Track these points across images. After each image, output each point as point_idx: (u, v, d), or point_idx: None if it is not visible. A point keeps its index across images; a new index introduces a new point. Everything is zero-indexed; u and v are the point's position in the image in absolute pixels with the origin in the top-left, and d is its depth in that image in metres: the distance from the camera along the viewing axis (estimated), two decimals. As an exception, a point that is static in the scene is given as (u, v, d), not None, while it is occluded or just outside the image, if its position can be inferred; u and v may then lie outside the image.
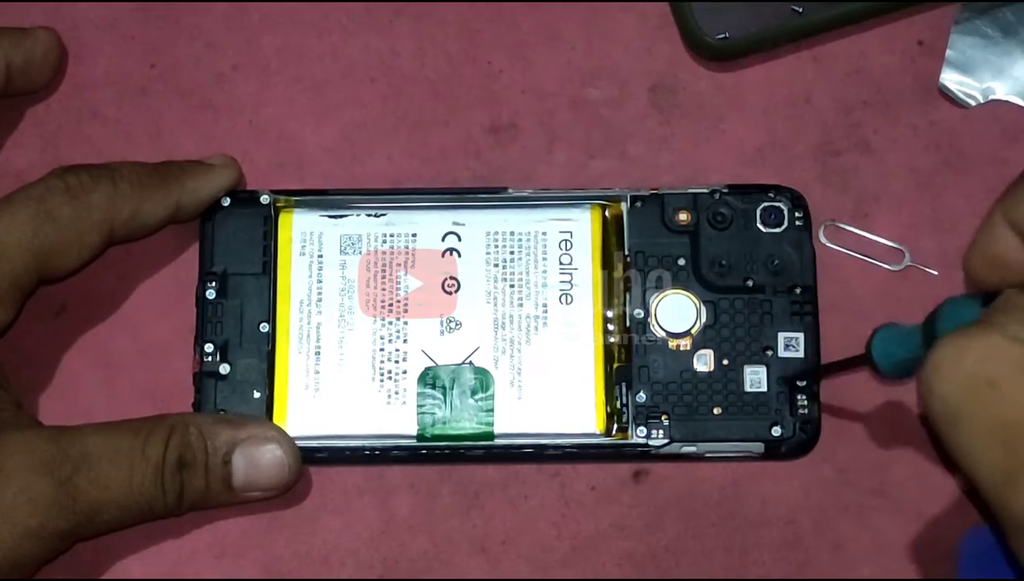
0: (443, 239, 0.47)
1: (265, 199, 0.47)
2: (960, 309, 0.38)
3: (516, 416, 0.46)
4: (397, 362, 0.46)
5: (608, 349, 0.46)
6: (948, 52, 0.48)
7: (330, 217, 0.47)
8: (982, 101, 0.48)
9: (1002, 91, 0.48)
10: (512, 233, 0.47)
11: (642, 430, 0.46)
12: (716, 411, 0.46)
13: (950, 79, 0.48)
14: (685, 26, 0.49)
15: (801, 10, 0.48)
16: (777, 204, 0.47)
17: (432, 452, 0.46)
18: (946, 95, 0.48)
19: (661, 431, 0.46)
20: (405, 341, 0.46)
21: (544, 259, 0.47)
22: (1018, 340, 0.34)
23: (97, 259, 0.46)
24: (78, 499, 0.42)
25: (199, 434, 0.44)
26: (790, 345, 0.46)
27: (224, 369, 0.46)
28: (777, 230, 0.47)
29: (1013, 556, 0.34)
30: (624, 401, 0.46)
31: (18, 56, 0.47)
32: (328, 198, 0.47)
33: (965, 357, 0.35)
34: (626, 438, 0.46)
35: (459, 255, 0.47)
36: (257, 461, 0.45)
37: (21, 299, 0.44)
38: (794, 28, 0.48)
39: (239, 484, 0.45)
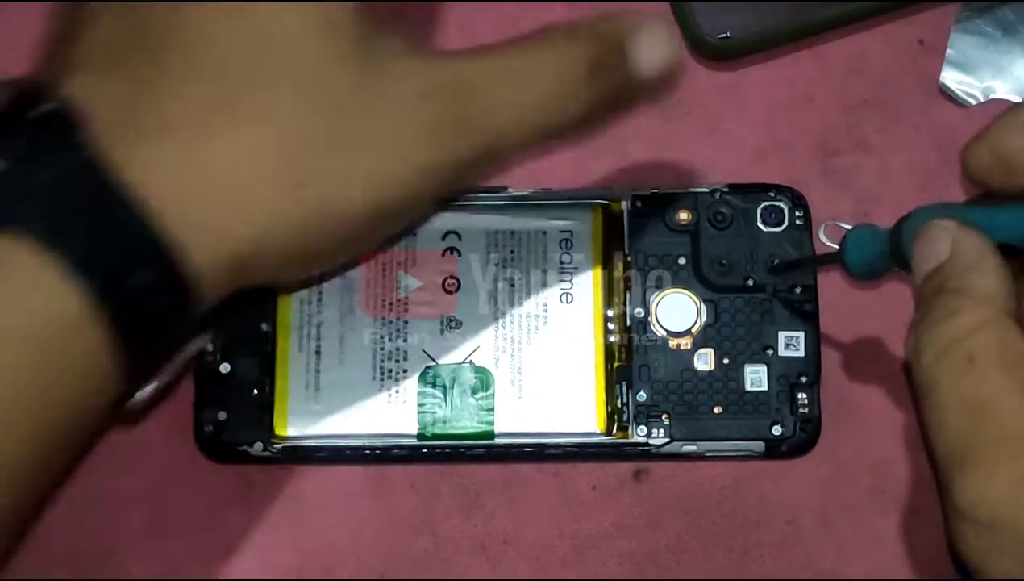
0: (443, 238, 0.47)
1: (265, 198, 0.47)
2: (930, 215, 0.38)
3: (516, 415, 0.46)
4: (397, 361, 0.46)
5: (608, 348, 0.46)
6: (948, 51, 0.48)
7: (330, 216, 0.47)
8: (983, 100, 0.48)
9: (1003, 90, 0.48)
10: (512, 232, 0.47)
11: (643, 429, 0.46)
12: (716, 410, 0.46)
13: (950, 78, 0.48)
14: (686, 26, 0.49)
15: (801, 10, 0.48)
16: (777, 203, 0.47)
17: (432, 451, 0.46)
18: (946, 94, 0.48)
19: (661, 430, 0.46)
20: (405, 340, 0.46)
21: (544, 258, 0.47)
22: (1008, 316, 0.34)
23: None
24: (472, 123, 0.37)
25: (592, 30, 0.38)
26: (791, 344, 0.46)
27: (224, 368, 0.46)
28: (777, 229, 0.47)
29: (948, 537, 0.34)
30: (624, 400, 0.46)
31: None
32: (328, 197, 0.48)
33: (953, 327, 0.35)
34: (626, 437, 0.46)
35: (459, 254, 0.47)
36: (648, 45, 0.38)
37: None
38: (795, 28, 0.48)
39: (644, 73, 0.38)
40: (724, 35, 0.48)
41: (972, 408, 0.34)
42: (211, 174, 0.34)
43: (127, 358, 0.35)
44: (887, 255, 0.40)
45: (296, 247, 0.36)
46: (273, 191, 0.35)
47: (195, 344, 0.38)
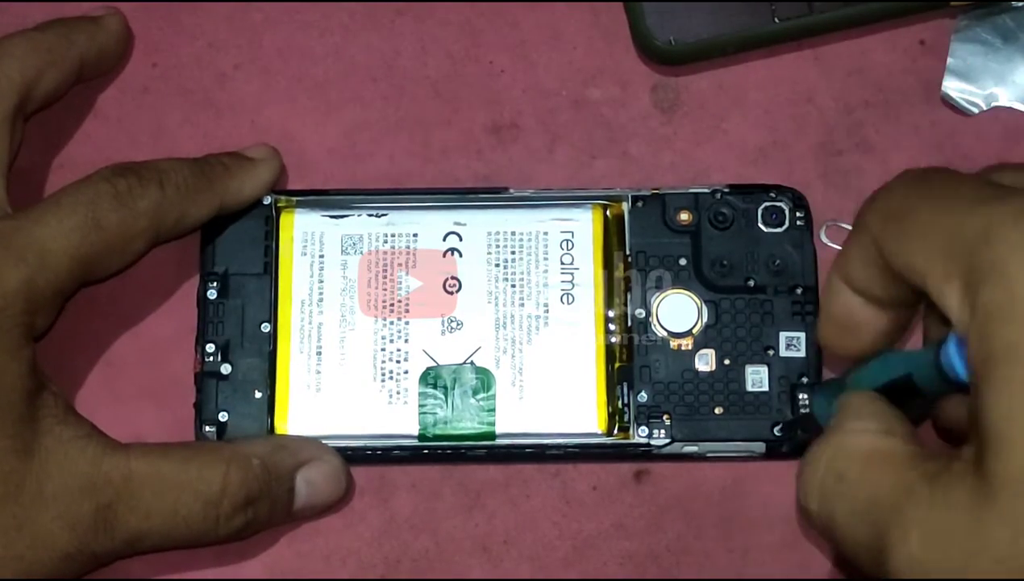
0: (444, 239, 0.47)
1: (266, 199, 0.47)
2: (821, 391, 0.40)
3: (517, 416, 0.46)
4: (398, 362, 0.46)
5: (609, 349, 0.46)
6: (949, 60, 0.48)
7: (331, 217, 0.47)
8: (985, 108, 0.48)
9: (1005, 97, 0.48)
10: (513, 233, 0.47)
11: (643, 430, 0.46)
12: (717, 411, 0.46)
13: (952, 87, 0.48)
14: (635, 26, 0.48)
15: (777, 13, 0.48)
16: (778, 204, 0.47)
17: (434, 452, 0.46)
18: (948, 103, 0.48)
19: (662, 431, 0.46)
20: (406, 341, 0.46)
21: (545, 259, 0.47)
22: (856, 432, 0.35)
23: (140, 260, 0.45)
24: (117, 526, 0.42)
25: (263, 466, 0.44)
26: (791, 345, 0.46)
27: (225, 369, 0.46)
28: (778, 230, 0.47)
29: None
30: (625, 401, 0.46)
31: (92, 50, 0.47)
32: (329, 198, 0.47)
33: (817, 464, 0.35)
34: (627, 438, 0.46)
35: (460, 255, 0.47)
36: (316, 482, 0.45)
37: (62, 304, 0.44)
38: (745, 38, 0.48)
39: (299, 506, 0.45)
40: (670, 40, 0.48)
41: (859, 514, 0.34)
42: None
43: None
44: None
45: None
46: None
47: None
